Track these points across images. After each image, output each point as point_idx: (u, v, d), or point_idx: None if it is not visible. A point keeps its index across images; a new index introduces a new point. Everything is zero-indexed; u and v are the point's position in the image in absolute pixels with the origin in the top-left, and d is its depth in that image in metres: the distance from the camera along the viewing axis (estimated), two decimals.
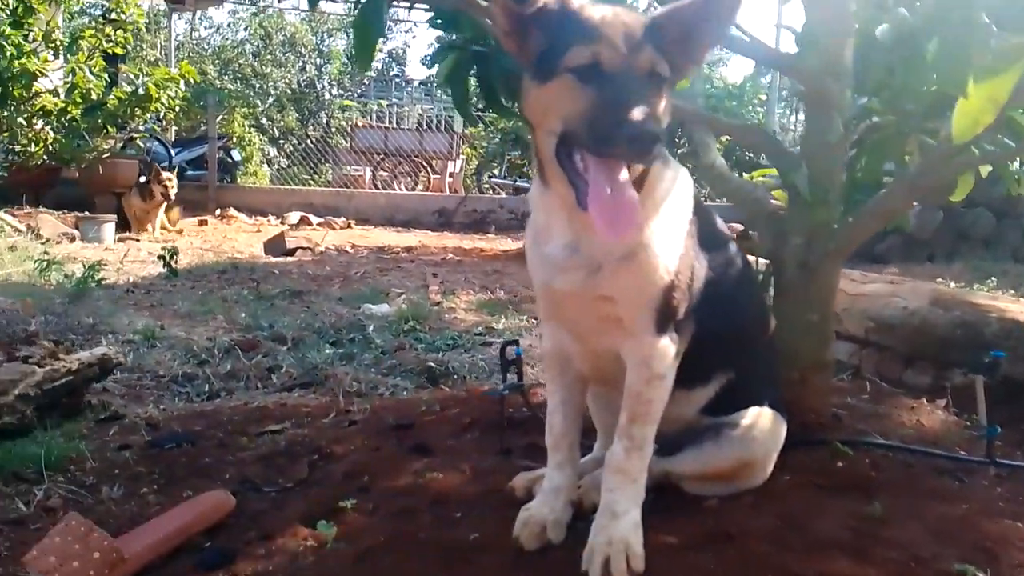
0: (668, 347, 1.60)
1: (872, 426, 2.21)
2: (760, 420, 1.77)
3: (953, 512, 1.75)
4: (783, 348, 1.96)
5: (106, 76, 9.77)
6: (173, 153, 14.06)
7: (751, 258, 2.31)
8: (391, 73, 19.70)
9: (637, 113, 1.31)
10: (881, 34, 2.36)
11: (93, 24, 9.72)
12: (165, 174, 9.63)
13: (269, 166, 18.90)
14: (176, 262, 6.32)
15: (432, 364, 3.78)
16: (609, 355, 1.66)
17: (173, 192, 9.77)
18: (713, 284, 1.67)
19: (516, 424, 2.21)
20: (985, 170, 2.42)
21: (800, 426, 1.99)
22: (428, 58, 17.49)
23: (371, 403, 2.84)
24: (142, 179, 9.87)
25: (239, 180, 15.61)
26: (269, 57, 22.11)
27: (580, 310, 1.64)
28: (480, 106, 3.50)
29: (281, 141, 20.01)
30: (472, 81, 2.75)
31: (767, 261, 2.14)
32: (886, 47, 2.39)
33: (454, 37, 2.65)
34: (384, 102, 18.65)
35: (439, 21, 2.63)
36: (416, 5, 2.58)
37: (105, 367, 2.98)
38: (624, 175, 1.39)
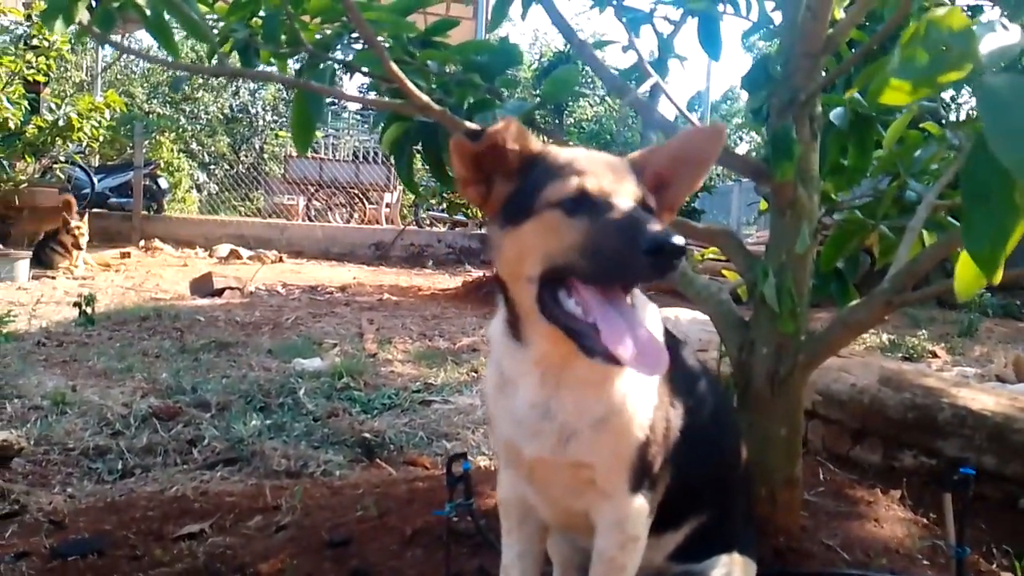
0: (643, 506, 1.46)
1: (837, 537, 2.11)
2: (735, 571, 1.64)
3: None
4: (751, 464, 1.85)
5: (26, 104, 9.29)
6: (96, 180, 13.53)
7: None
8: (328, 102, 19.39)
9: (651, 227, 1.16)
10: (835, 117, 2.31)
11: (13, 50, 9.23)
12: (74, 222, 9.18)
13: (199, 192, 18.37)
14: (93, 308, 5.95)
15: (367, 434, 3.59)
16: (579, 512, 1.51)
17: (84, 240, 9.31)
18: (688, 427, 1.54)
19: (464, 538, 2.04)
20: None
21: (771, 552, 1.88)
22: (364, 88, 17.28)
23: (302, 493, 2.62)
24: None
25: (167, 207, 15.08)
26: (201, 80, 21.54)
27: (550, 474, 1.48)
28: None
29: (212, 167, 19.49)
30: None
31: (733, 370, 2.04)
32: (840, 129, 2.35)
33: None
34: (320, 132, 18.31)
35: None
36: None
37: (5, 455, 2.70)
38: (628, 304, 1.25)
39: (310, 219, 15.17)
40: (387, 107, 2.12)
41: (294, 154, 16.83)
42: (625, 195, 1.27)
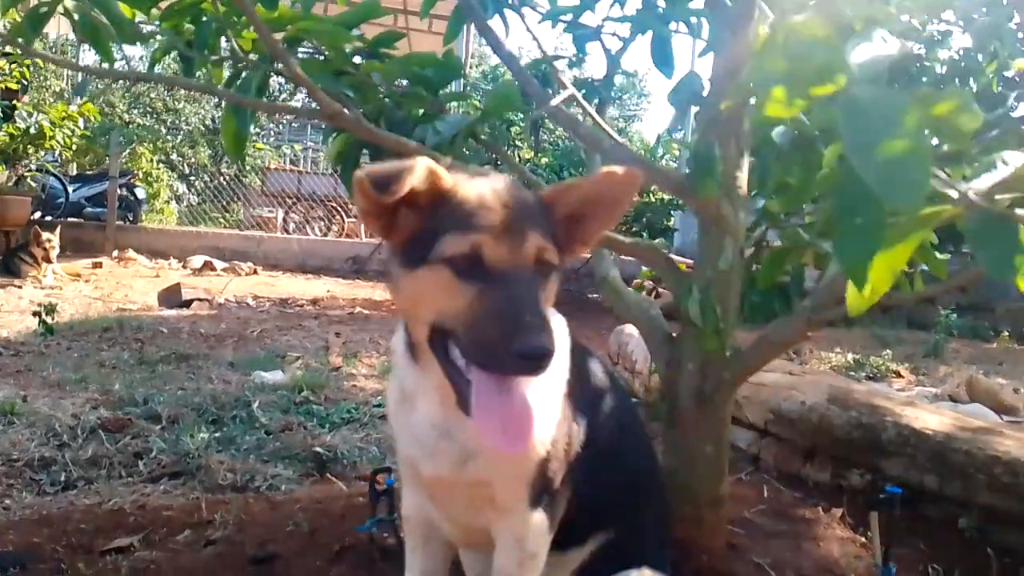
0: (543, 522, 1.45)
1: (769, 556, 2.10)
2: None
3: None
4: (675, 482, 1.84)
5: None
6: (71, 190, 13.43)
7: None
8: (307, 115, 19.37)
9: (527, 325, 1.13)
10: (778, 136, 2.32)
11: None
12: (45, 235, 9.11)
13: (178, 203, 18.27)
14: (54, 318, 5.87)
15: (319, 449, 3.55)
16: (480, 527, 1.49)
17: (54, 253, 9.24)
18: (592, 442, 1.53)
19: (391, 555, 2.01)
20: None
21: (692, 573, 1.86)
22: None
23: (239, 508, 2.58)
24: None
25: (144, 218, 14.98)
26: (182, 91, 21.47)
27: (449, 492, 1.46)
28: None
29: (192, 178, 19.40)
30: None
31: (661, 386, 2.03)
32: (783, 148, 2.36)
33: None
34: (299, 146, 18.29)
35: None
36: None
37: None
38: (519, 384, 1.21)
39: (287, 232, 15.10)
40: (303, 115, 2.10)
41: (273, 167, 16.79)
42: (520, 262, 1.23)
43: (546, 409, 1.41)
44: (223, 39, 2.18)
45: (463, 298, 1.21)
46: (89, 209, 13.71)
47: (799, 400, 3.21)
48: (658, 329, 2.01)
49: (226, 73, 2.22)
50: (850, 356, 6.54)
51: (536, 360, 1.13)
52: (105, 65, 2.01)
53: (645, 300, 2.07)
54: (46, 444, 3.48)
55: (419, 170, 1.24)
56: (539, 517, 1.43)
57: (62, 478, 3.14)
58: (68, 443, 3.49)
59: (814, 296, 1.77)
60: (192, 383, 4.63)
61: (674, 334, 1.99)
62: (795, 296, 2.52)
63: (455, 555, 1.68)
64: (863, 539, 2.42)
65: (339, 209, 15.96)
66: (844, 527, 2.50)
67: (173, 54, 2.26)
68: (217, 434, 3.66)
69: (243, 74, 2.15)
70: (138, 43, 2.11)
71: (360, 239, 14.80)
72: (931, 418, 2.79)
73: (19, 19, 1.79)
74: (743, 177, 1.90)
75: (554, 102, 1.73)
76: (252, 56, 2.20)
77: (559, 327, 1.47)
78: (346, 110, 1.78)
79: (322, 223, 16.05)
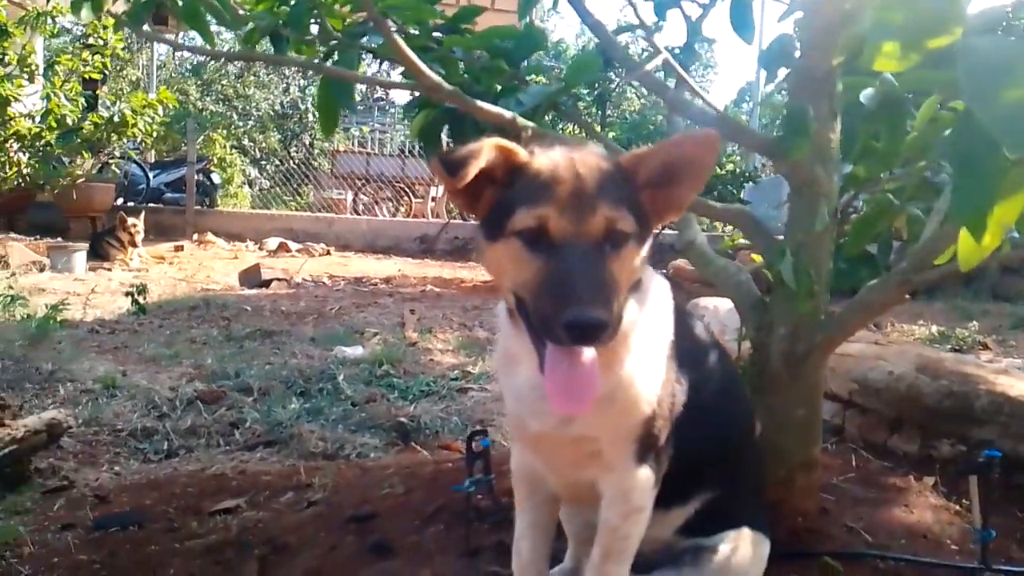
0: (648, 477, 1.48)
1: (861, 520, 2.09)
2: (744, 545, 1.64)
3: None
4: (768, 445, 1.84)
5: (83, 101, 9.62)
6: (151, 176, 13.92)
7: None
8: (374, 97, 19.65)
9: (577, 297, 1.17)
10: (866, 98, 2.28)
11: (71, 48, 9.56)
12: (130, 220, 9.49)
13: (251, 187, 18.76)
14: (145, 297, 6.14)
15: (403, 419, 3.64)
16: (586, 483, 1.53)
17: (140, 237, 9.62)
18: (695, 401, 1.55)
19: (484, 516, 2.08)
20: None
21: (787, 532, 1.87)
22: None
23: (334, 473, 2.69)
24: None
25: (219, 202, 15.45)
26: (252, 78, 21.99)
27: (555, 447, 1.51)
28: None
29: (263, 163, 19.88)
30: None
31: (751, 350, 2.03)
32: (870, 111, 2.31)
33: None
34: (366, 128, 18.53)
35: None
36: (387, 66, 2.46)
37: (54, 433, 2.82)
38: (587, 350, 1.23)
39: (357, 213, 15.36)
40: (401, 88, 2.15)
41: (342, 149, 17.08)
42: (585, 234, 1.25)
43: (651, 369, 1.44)
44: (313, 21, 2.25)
45: (531, 269, 1.26)
46: (168, 194, 14.22)
47: (886, 370, 3.15)
48: (748, 294, 2.01)
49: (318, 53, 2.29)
50: (934, 328, 6.36)
51: (583, 331, 1.16)
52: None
53: (733, 265, 2.07)
54: (147, 415, 3.67)
55: (485, 153, 1.29)
56: (645, 473, 1.47)
57: (164, 447, 3.32)
58: (168, 414, 3.68)
59: (911, 257, 1.75)
60: (278, 358, 4.80)
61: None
62: (882, 263, 2.48)
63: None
64: (956, 507, 2.39)
65: (406, 190, 16.16)
66: (936, 495, 2.47)
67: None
68: (306, 405, 3.81)
69: (334, 53, 2.21)
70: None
71: (427, 219, 14.99)
72: None
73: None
74: (835, 138, 1.88)
75: (648, 67, 1.74)
76: (341, 36, 2.26)
77: (661, 290, 1.50)
78: (445, 83, 1.82)
79: (390, 204, 16.28)
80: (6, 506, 2.52)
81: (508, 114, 1.78)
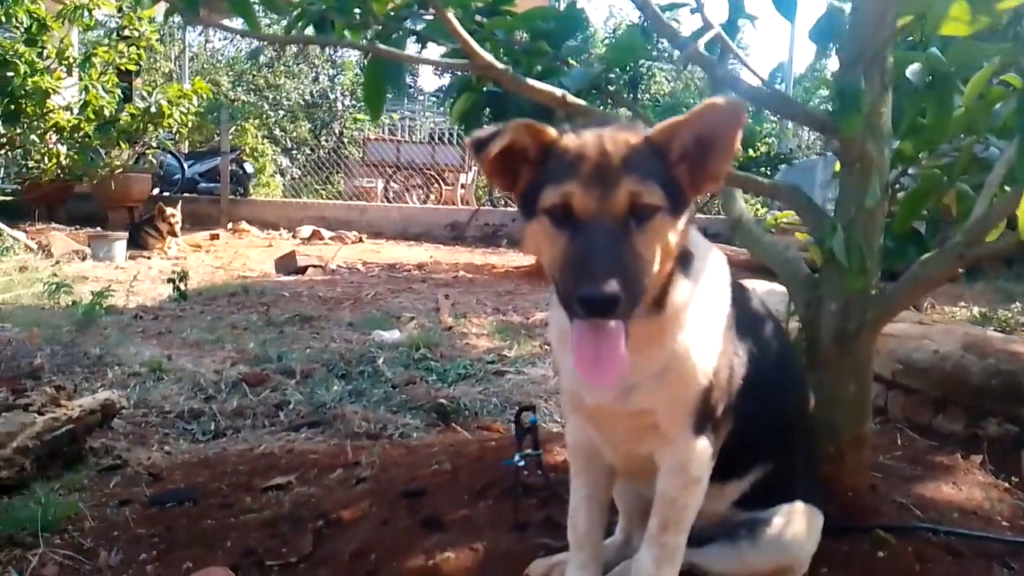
0: (705, 449, 1.49)
1: (911, 496, 2.09)
2: (798, 518, 1.65)
3: None
4: (818, 422, 1.85)
5: (119, 92, 9.77)
6: (186, 166, 14.11)
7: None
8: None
9: (591, 272, 1.20)
10: (912, 74, 2.25)
11: (106, 41, 9.70)
12: (169, 210, 9.69)
13: (282, 177, 18.93)
14: (186, 284, 6.26)
15: (443, 400, 3.68)
16: (643, 456, 1.55)
17: (178, 227, 9.80)
18: (752, 374, 1.56)
19: (532, 491, 2.10)
20: None
21: (838, 508, 1.87)
22: (440, 71, 17.40)
23: (380, 451, 2.74)
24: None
25: (252, 191, 15.62)
26: (282, 68, 22.16)
27: (612, 420, 1.53)
28: None
29: (294, 152, 20.05)
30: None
31: (800, 327, 2.02)
32: (918, 87, 2.28)
33: (469, 75, 2.56)
34: (396, 115, 18.59)
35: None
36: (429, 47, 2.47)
37: (108, 413, 2.90)
38: (611, 323, 1.24)
39: (388, 201, 15.45)
40: (453, 66, 2.16)
41: (372, 137, 17.15)
42: (608, 210, 1.27)
43: (708, 341, 1.45)
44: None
45: (557, 247, 1.29)
46: (203, 184, 14.41)
47: (931, 349, 3.12)
48: (798, 270, 2.00)
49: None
50: (975, 310, 6.26)
51: (595, 306, 1.19)
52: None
53: (781, 242, 2.07)
54: (193, 397, 3.75)
55: (511, 132, 1.33)
56: (703, 444, 1.48)
57: (212, 427, 3.39)
58: (213, 396, 3.76)
59: (965, 231, 1.73)
60: (318, 342, 4.87)
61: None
62: (930, 241, 2.45)
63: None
64: (1006, 484, 2.37)
65: (437, 177, 16.20)
66: (984, 473, 2.45)
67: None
68: (348, 387, 3.86)
69: (379, 37, 2.23)
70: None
71: (458, 206, 15.02)
72: None
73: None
74: (887, 113, 1.86)
75: (700, 43, 1.74)
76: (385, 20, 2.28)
77: (718, 264, 1.51)
78: (496, 62, 1.84)
79: (420, 191, 16.33)
80: (64, 483, 2.59)
81: (559, 92, 1.79)
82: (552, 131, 1.37)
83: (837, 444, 1.93)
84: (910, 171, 2.19)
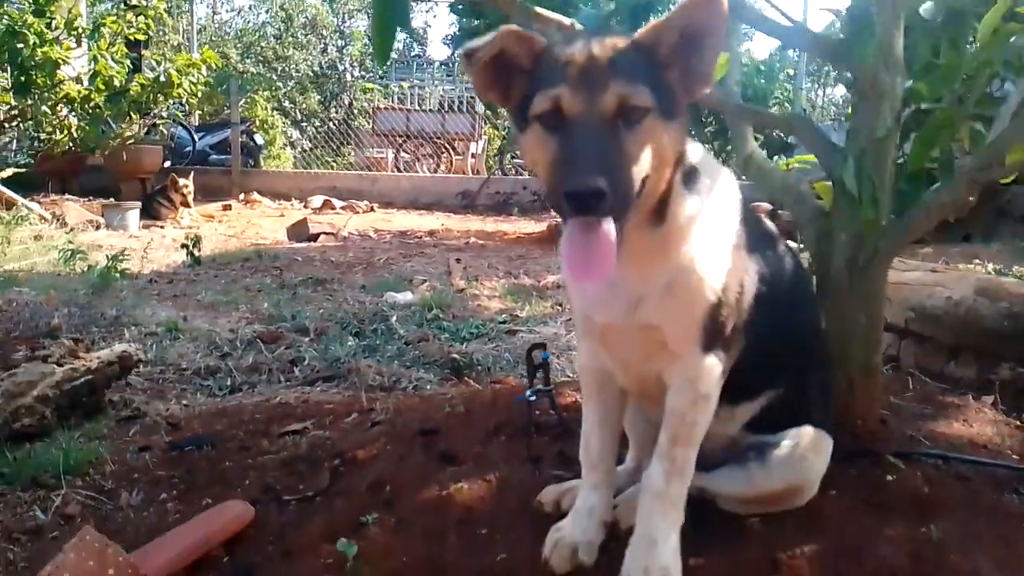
0: (715, 366, 1.51)
1: (921, 431, 2.10)
2: (808, 441, 1.66)
3: (1015, 533, 1.63)
4: (830, 352, 1.85)
5: (128, 63, 9.77)
6: (197, 138, 14.12)
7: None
8: (412, 54, 19.56)
9: (577, 167, 1.21)
10: (926, 12, 2.22)
11: (115, 11, 9.68)
12: (181, 181, 9.72)
13: (292, 149, 18.92)
14: (199, 250, 6.30)
15: (456, 356, 3.71)
16: (653, 375, 1.57)
17: (191, 197, 9.85)
18: (763, 294, 1.56)
19: (545, 429, 2.13)
20: None
21: (848, 435, 1.88)
22: (450, 39, 17.26)
23: (394, 400, 2.77)
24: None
25: (263, 164, 15.63)
26: (291, 39, 22.07)
27: (622, 338, 1.54)
28: None
29: (304, 124, 20.01)
30: None
31: (811, 260, 2.02)
32: (932, 26, 2.25)
33: (476, 23, 2.55)
34: (406, 84, 18.50)
35: (460, 7, 2.54)
36: None
37: (125, 365, 2.93)
38: (601, 222, 1.24)
39: (399, 170, 15.43)
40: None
41: (382, 107, 17.08)
42: (596, 111, 1.28)
43: (715, 257, 1.46)
44: None
45: (548, 151, 1.31)
46: (214, 156, 14.41)
47: (944, 295, 3.11)
48: (809, 204, 2.00)
49: None
50: (990, 267, 6.22)
51: (580, 199, 1.20)
52: None
53: (791, 176, 2.06)
54: (209, 355, 3.79)
55: (497, 40, 1.34)
56: (711, 361, 1.50)
57: (228, 383, 3.43)
58: (229, 353, 3.80)
59: (978, 156, 1.72)
60: (331, 303, 4.91)
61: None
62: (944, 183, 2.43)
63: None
64: (1017, 422, 2.37)
65: (447, 146, 16.15)
66: (996, 412, 2.45)
67: None
68: (362, 344, 3.89)
69: None
70: None
71: (468, 175, 14.98)
72: None
73: None
74: (900, 42, 1.84)
75: None
76: None
77: (727, 182, 1.51)
78: None
79: (430, 160, 16.29)
80: (85, 432, 2.63)
81: (567, 21, 1.78)
82: (542, 39, 1.39)
83: (848, 374, 1.94)
84: (923, 107, 2.17)
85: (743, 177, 2.04)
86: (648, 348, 1.51)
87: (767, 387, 1.67)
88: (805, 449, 1.65)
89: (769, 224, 1.71)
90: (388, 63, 2.38)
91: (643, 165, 1.30)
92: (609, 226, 1.25)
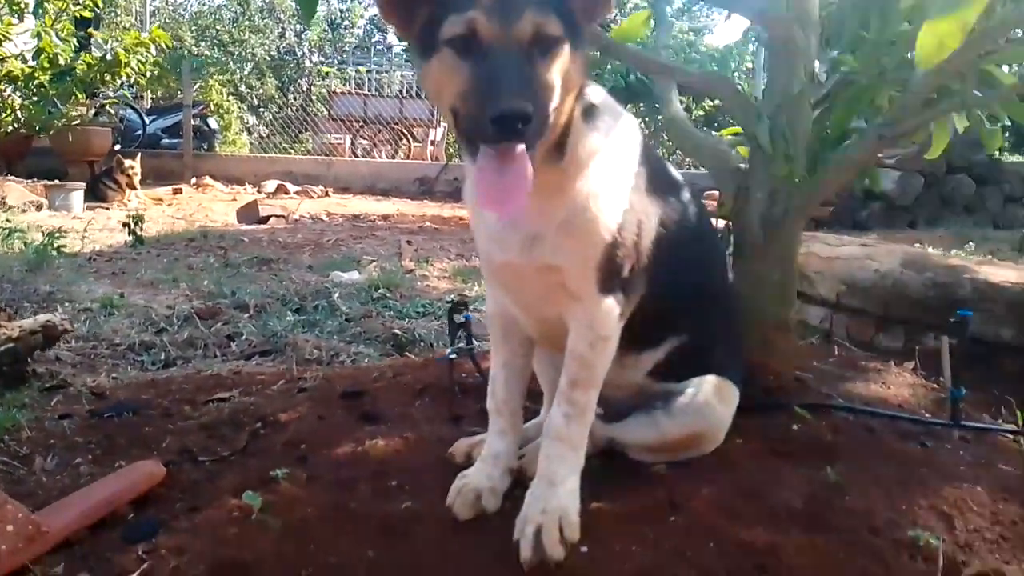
0: (612, 308, 1.51)
1: (837, 390, 2.14)
2: (712, 388, 1.68)
3: (913, 477, 1.68)
4: (745, 308, 1.87)
5: (75, 41, 9.51)
6: (147, 121, 13.82)
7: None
8: (372, 40, 19.34)
9: (502, 92, 1.20)
10: None
11: None
12: (128, 162, 9.51)
13: (249, 135, 18.59)
14: (142, 229, 6.18)
15: (398, 332, 3.69)
16: (554, 318, 1.57)
17: (137, 179, 9.63)
18: (665, 238, 1.58)
19: (468, 390, 2.13)
20: (962, 125, 2.32)
21: (761, 390, 1.91)
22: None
23: (327, 371, 2.74)
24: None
25: (219, 149, 15.35)
26: (247, 23, 21.64)
27: (521, 279, 1.55)
28: None
29: (261, 109, 19.66)
30: None
31: (727, 221, 2.05)
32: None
33: None
34: (364, 69, 18.30)
35: None
36: None
37: (50, 335, 2.86)
38: (517, 150, 1.25)
39: (356, 156, 15.27)
40: None
41: (339, 91, 16.88)
42: (514, 37, 1.27)
43: (612, 196, 1.46)
44: None
45: (462, 77, 1.29)
46: (166, 140, 14.12)
47: (873, 268, 3.18)
48: (726, 161, 2.02)
49: None
50: (930, 250, 6.37)
51: (507, 122, 1.18)
52: None
53: (712, 137, 2.08)
54: (145, 331, 3.72)
55: None
56: (609, 302, 1.50)
57: (162, 357, 3.37)
58: (165, 328, 3.73)
59: (887, 113, 1.75)
60: (275, 281, 4.85)
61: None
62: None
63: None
64: (934, 386, 2.43)
65: (405, 133, 16.02)
66: (915, 376, 2.51)
67: None
68: (301, 319, 3.85)
69: None
70: None
71: (427, 161, 14.89)
72: (1009, 272, 2.74)
73: None
74: (815, 2, 1.87)
75: None
76: None
77: (628, 125, 1.52)
78: None
79: (388, 147, 16.16)
80: (5, 402, 2.57)
81: None
82: None
83: (762, 330, 1.97)
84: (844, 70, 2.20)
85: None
86: (546, 289, 1.52)
87: (671, 334, 1.68)
88: (709, 396, 1.68)
89: (674, 171, 1.72)
90: (313, 26, 2.31)
91: (555, 94, 1.31)
92: (524, 154, 1.25)
